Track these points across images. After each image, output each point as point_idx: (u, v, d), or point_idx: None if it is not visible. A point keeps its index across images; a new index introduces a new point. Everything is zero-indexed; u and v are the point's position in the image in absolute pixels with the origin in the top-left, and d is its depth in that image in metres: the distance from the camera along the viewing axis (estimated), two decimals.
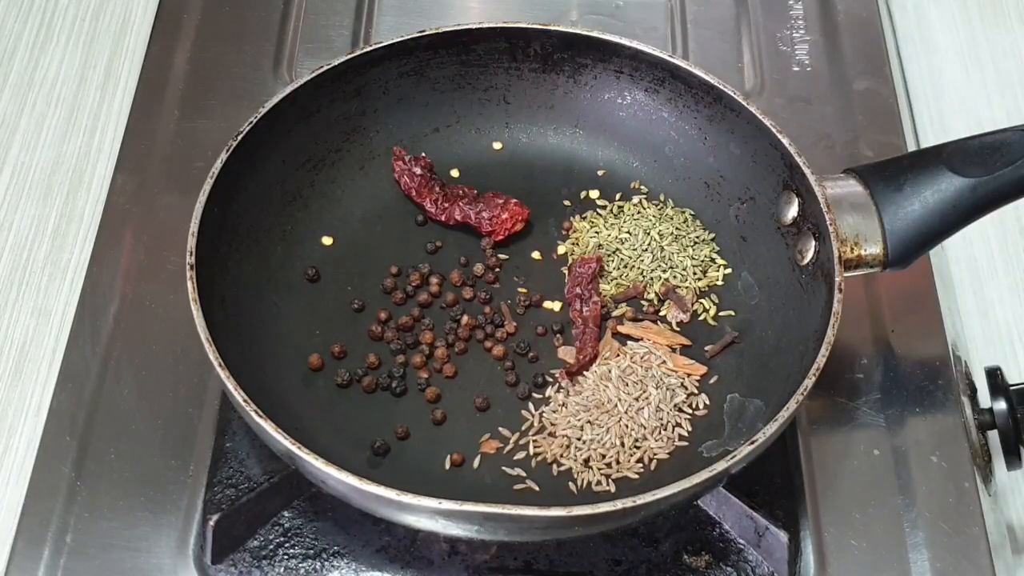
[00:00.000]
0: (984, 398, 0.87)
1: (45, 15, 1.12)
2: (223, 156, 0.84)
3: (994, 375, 0.86)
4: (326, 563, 0.79)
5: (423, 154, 0.93)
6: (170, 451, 0.84)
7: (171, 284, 0.90)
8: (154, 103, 1.03)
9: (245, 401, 0.73)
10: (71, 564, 0.79)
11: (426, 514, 0.71)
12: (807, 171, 0.83)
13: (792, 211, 0.86)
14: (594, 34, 0.92)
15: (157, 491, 0.82)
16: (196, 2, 1.10)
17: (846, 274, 0.80)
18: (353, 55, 0.91)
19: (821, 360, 0.76)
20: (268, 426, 0.72)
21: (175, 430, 0.85)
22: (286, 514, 0.81)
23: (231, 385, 0.74)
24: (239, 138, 0.85)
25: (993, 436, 0.86)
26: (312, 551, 0.79)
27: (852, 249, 0.82)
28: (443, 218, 0.92)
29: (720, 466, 0.72)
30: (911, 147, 1.03)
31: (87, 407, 0.85)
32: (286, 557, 0.79)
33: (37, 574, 0.79)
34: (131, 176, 0.98)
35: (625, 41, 0.92)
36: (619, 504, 0.70)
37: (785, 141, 0.85)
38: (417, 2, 1.12)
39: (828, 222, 0.81)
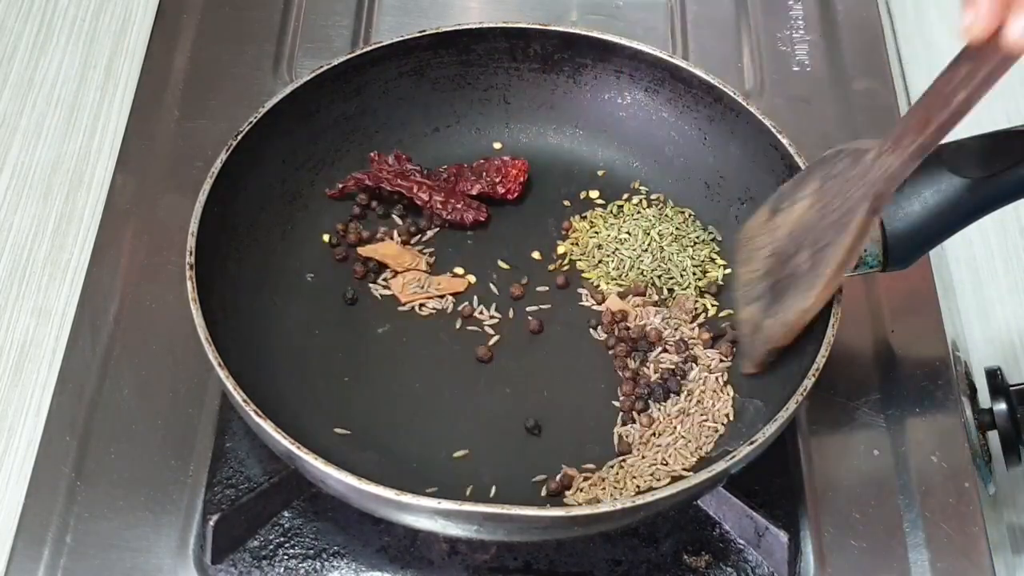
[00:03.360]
0: (984, 398, 0.87)
1: (45, 15, 1.12)
2: (223, 156, 0.84)
3: (994, 375, 0.86)
4: (326, 563, 0.79)
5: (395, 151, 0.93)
6: (170, 451, 0.84)
7: (171, 284, 0.90)
8: (154, 103, 1.03)
9: (245, 401, 0.73)
10: (71, 564, 0.79)
11: (425, 514, 0.71)
12: None
13: None
14: (594, 34, 0.92)
15: (157, 491, 0.82)
16: (196, 2, 1.10)
17: (845, 274, 0.80)
18: (353, 55, 0.91)
19: (821, 361, 0.76)
20: (267, 426, 0.72)
21: (175, 430, 0.85)
22: (286, 514, 0.81)
23: (230, 385, 0.74)
24: (239, 138, 0.85)
25: (993, 436, 0.86)
26: (312, 551, 0.79)
27: None
28: (447, 208, 0.91)
29: (720, 466, 0.72)
30: None
31: (87, 407, 0.85)
32: (286, 557, 0.79)
33: (37, 574, 0.79)
34: (131, 176, 0.98)
35: (625, 41, 0.92)
36: (618, 504, 0.70)
37: (785, 142, 0.85)
38: (417, 2, 1.12)
39: None
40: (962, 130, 1.05)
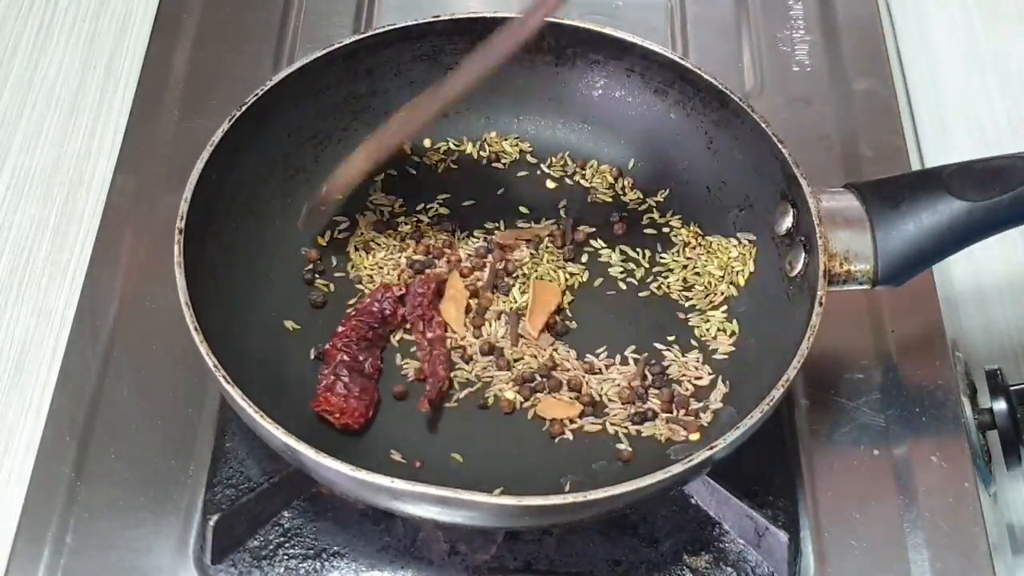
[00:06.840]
0: (984, 398, 0.87)
1: (45, 15, 1.12)
2: (225, 125, 0.84)
3: (994, 375, 0.86)
4: (326, 563, 0.79)
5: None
6: (170, 451, 0.84)
7: (171, 284, 0.89)
8: (154, 103, 1.03)
9: (215, 366, 0.73)
10: (71, 564, 0.79)
11: (384, 493, 0.71)
12: (803, 183, 0.82)
13: (787, 222, 0.85)
14: (607, 31, 0.92)
15: (157, 491, 0.82)
16: (196, 2, 1.10)
17: (835, 288, 0.80)
18: (364, 35, 0.91)
19: (792, 372, 0.75)
20: (235, 392, 0.72)
21: (175, 430, 0.85)
22: (286, 514, 0.81)
23: (204, 349, 0.74)
24: (243, 108, 0.85)
25: (993, 436, 0.86)
26: (312, 551, 0.79)
27: (841, 264, 0.80)
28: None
29: (676, 468, 0.71)
30: (911, 147, 1.02)
31: (87, 407, 0.85)
32: (286, 557, 0.79)
33: (37, 574, 0.79)
34: (131, 176, 0.98)
35: (638, 40, 0.91)
36: (569, 498, 0.70)
37: (785, 151, 0.84)
38: (417, 2, 1.12)
39: (818, 235, 0.80)
40: (963, 130, 1.05)
